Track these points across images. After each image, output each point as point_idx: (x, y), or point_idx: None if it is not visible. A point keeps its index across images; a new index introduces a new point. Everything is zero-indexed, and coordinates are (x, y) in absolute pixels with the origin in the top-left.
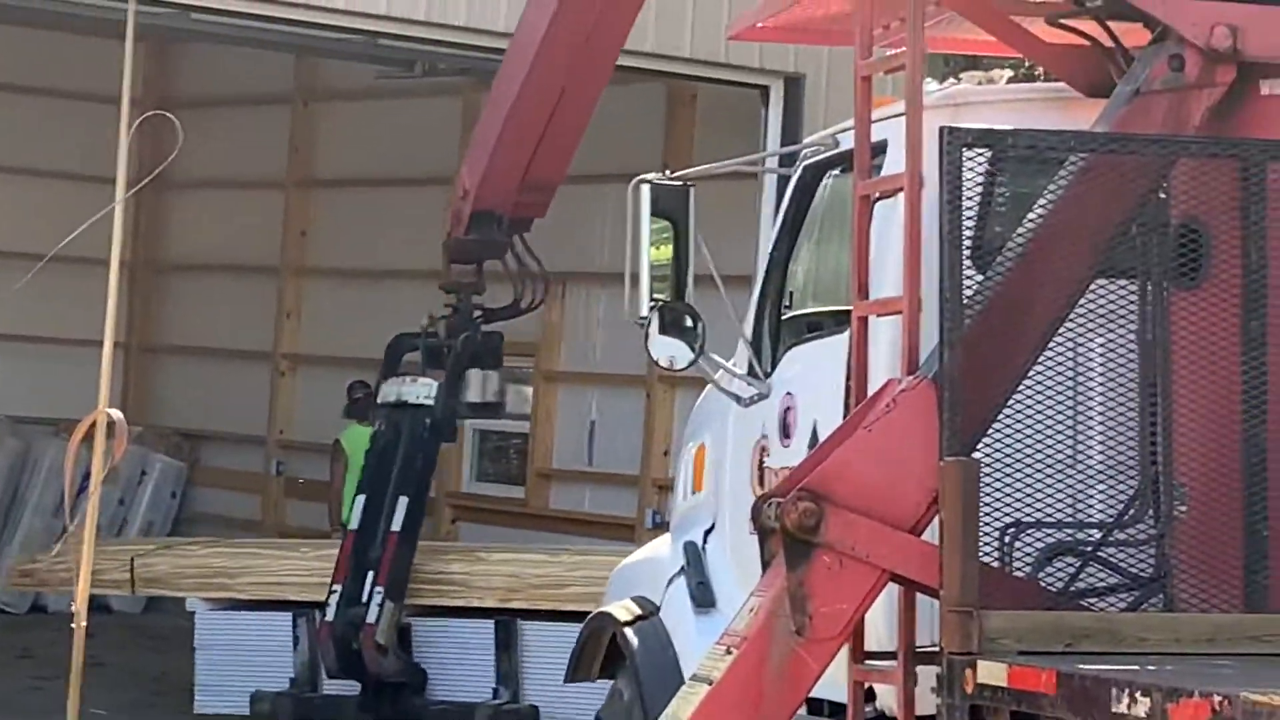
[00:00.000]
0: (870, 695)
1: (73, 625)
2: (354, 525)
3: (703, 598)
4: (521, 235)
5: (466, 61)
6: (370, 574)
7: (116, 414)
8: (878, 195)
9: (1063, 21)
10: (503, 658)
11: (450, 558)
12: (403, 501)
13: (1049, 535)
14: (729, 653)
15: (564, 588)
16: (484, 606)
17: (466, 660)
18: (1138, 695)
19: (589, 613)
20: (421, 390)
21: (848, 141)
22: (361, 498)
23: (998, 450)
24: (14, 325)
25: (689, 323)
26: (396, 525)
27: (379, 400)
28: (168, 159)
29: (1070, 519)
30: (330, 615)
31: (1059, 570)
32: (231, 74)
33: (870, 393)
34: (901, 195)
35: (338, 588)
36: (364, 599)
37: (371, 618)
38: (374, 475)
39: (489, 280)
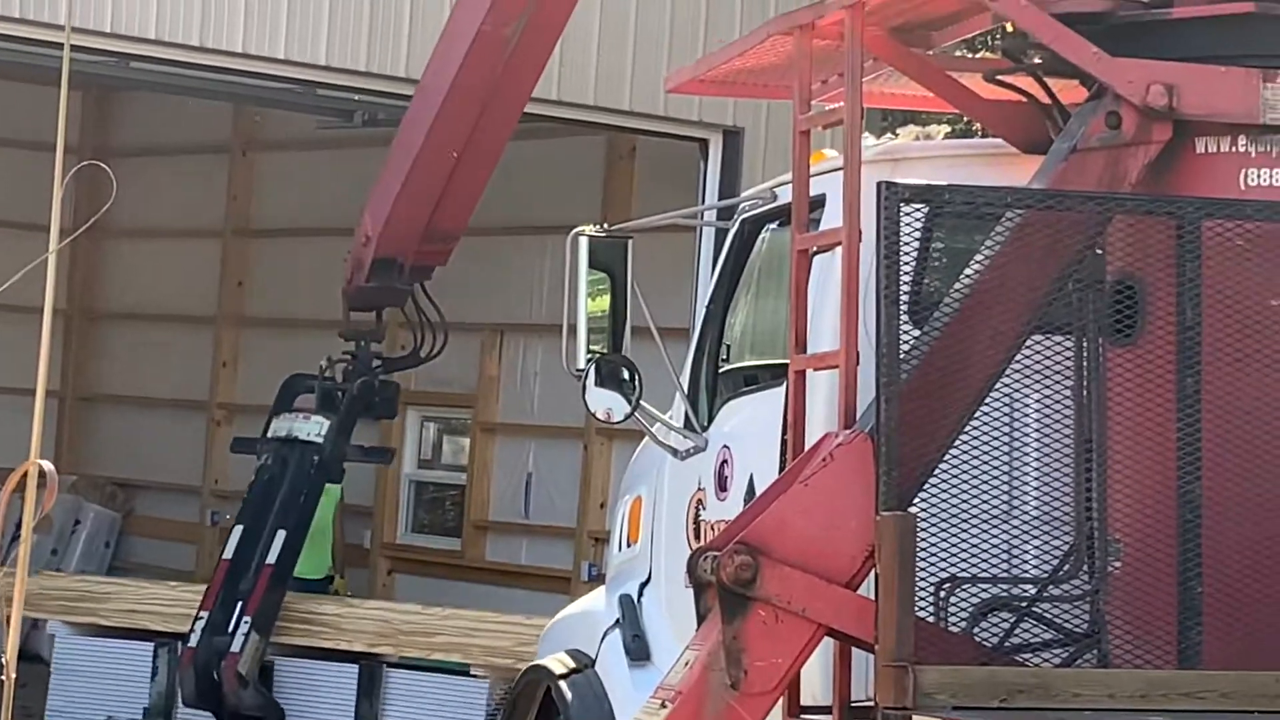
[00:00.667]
0: None
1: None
2: (228, 555)
3: (638, 651)
4: (422, 284)
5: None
6: (240, 604)
7: (48, 465)
8: (815, 249)
9: (1000, 78)
10: (364, 703)
11: (322, 599)
12: (280, 534)
13: (985, 590)
14: (664, 706)
15: (433, 636)
16: (351, 650)
17: (328, 703)
18: None
19: (455, 664)
20: (313, 428)
21: (785, 195)
22: (239, 528)
23: (934, 505)
24: None
25: (626, 375)
26: (271, 558)
27: (269, 434)
28: (102, 209)
29: (1006, 574)
30: (194, 641)
31: (994, 625)
32: (171, 123)
33: (807, 446)
34: (839, 249)
35: (205, 615)
36: (230, 628)
37: (236, 647)
38: (255, 507)
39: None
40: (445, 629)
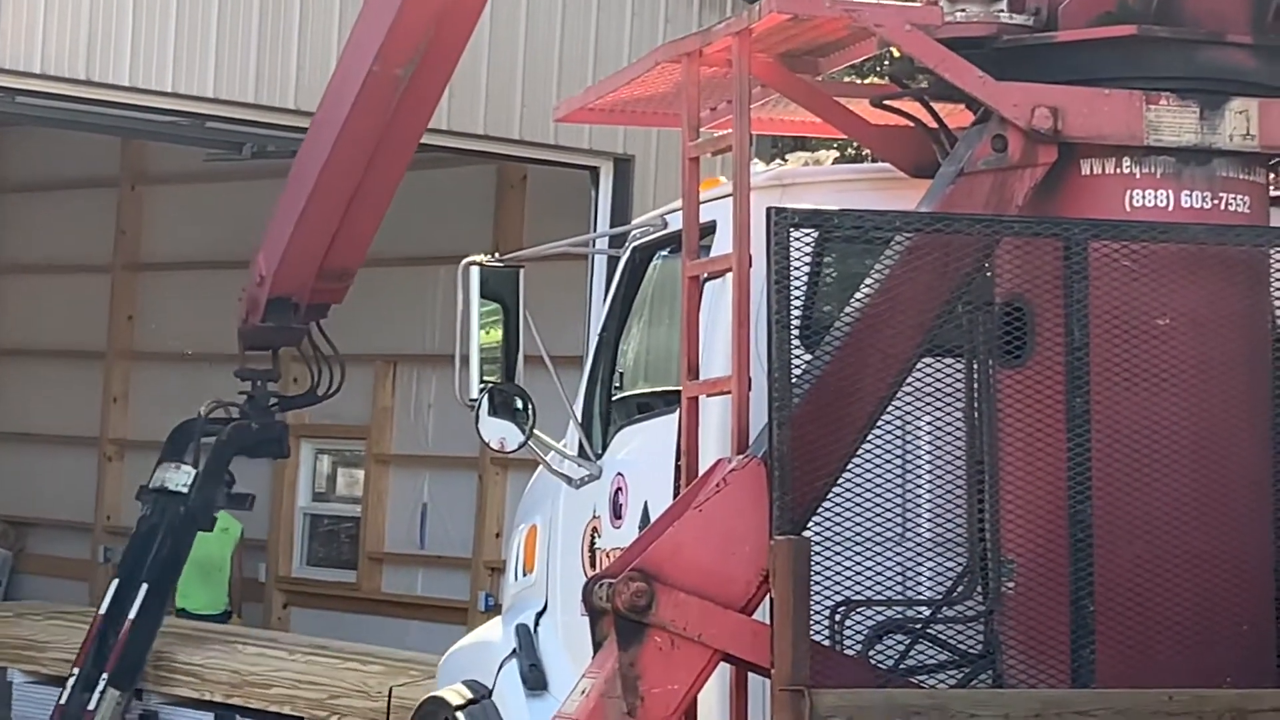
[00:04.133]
0: None
1: None
2: (103, 609)
3: (535, 680)
4: (318, 322)
5: (296, 144)
6: (103, 659)
7: None
8: (706, 275)
9: (887, 103)
10: None
11: (188, 648)
12: (143, 588)
13: (879, 613)
14: None
15: (269, 688)
16: (213, 700)
17: None
18: None
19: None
20: (181, 478)
21: (676, 222)
22: (115, 581)
23: (828, 528)
24: None
25: (519, 404)
26: (133, 612)
27: (149, 484)
28: None
29: (900, 596)
30: (64, 699)
31: (890, 648)
32: (58, 157)
33: (701, 472)
34: (730, 275)
35: (76, 671)
36: (96, 684)
37: (92, 705)
38: (130, 560)
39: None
40: (278, 680)
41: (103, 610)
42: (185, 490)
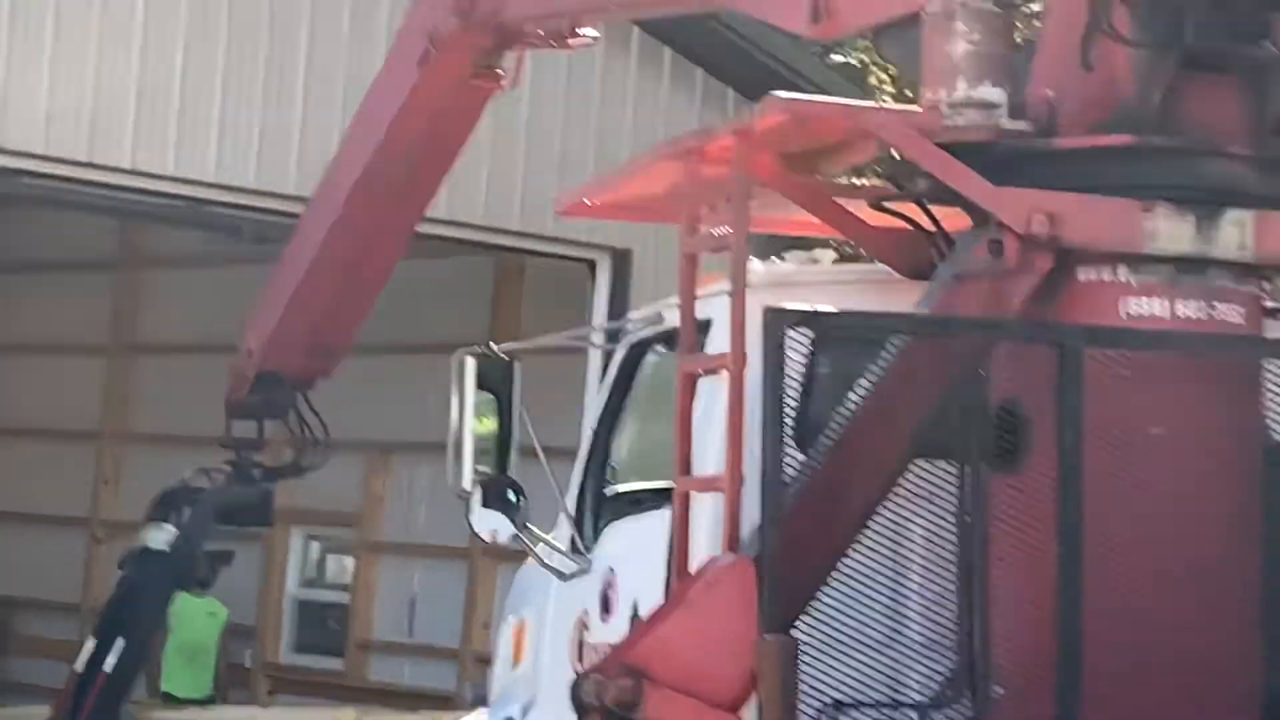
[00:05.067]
0: None
1: None
2: (79, 667)
3: None
4: (305, 395)
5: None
6: None
7: None
8: (701, 372)
9: (885, 205)
10: None
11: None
12: (119, 644)
13: (867, 714)
14: None
15: None
16: None
17: None
18: None
19: None
20: (164, 536)
21: (673, 318)
22: (91, 641)
23: (817, 629)
24: None
25: (511, 496)
26: (108, 667)
27: (135, 545)
28: None
29: (888, 699)
30: None
31: None
32: (57, 238)
33: (691, 569)
34: (725, 373)
35: None
36: None
37: None
38: (108, 618)
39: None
40: None
41: (78, 668)
42: (166, 549)
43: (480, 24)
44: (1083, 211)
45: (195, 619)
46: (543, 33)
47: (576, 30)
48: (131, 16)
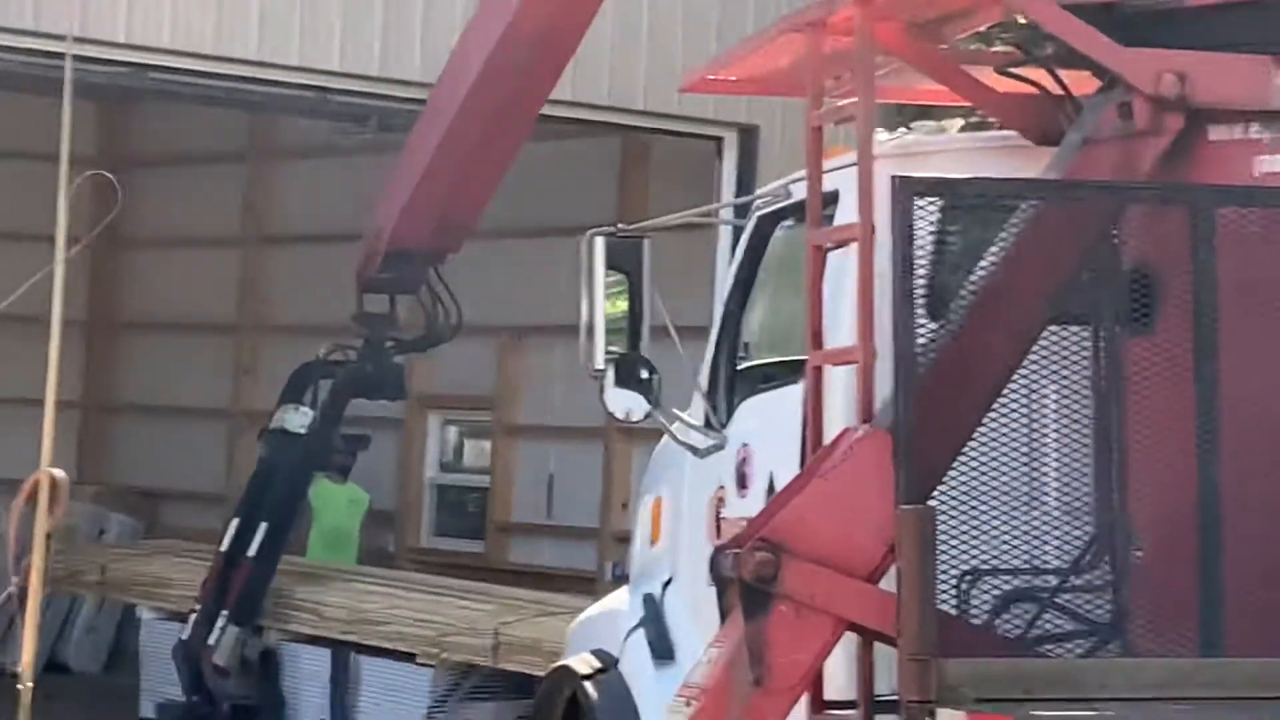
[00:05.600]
0: None
1: (18, 685)
2: (224, 548)
3: (662, 649)
4: (436, 269)
5: (388, 112)
6: (224, 597)
7: (59, 473)
8: (830, 245)
9: (1012, 71)
10: (336, 686)
11: (308, 586)
12: (263, 526)
13: (1006, 582)
14: (688, 705)
15: (384, 625)
16: (328, 637)
17: (310, 686)
18: None
19: (404, 651)
20: (300, 419)
21: (800, 192)
22: (235, 520)
23: (954, 497)
24: None
25: (645, 375)
26: (252, 550)
27: (269, 425)
28: (108, 218)
29: (1027, 565)
30: (185, 634)
31: (1016, 617)
32: (187, 131)
33: (826, 442)
34: (854, 245)
35: (198, 608)
36: (215, 621)
37: (213, 640)
38: (249, 500)
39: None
40: (393, 618)
41: (223, 548)
42: (303, 431)
43: None
44: (1212, 70)
45: (337, 505)
46: None
47: None
48: None
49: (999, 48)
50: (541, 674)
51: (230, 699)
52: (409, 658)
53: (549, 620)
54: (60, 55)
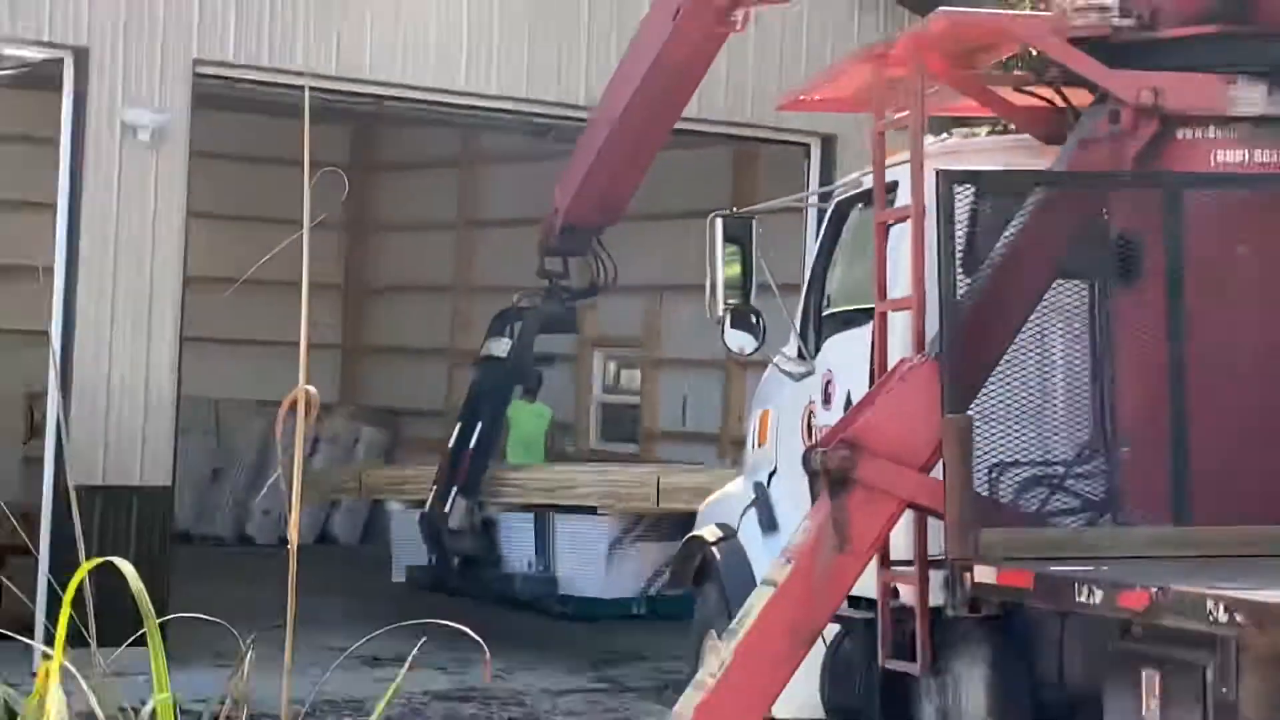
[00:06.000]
0: (895, 593)
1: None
2: (450, 444)
3: (768, 523)
4: (598, 239)
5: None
6: (453, 477)
7: (312, 389)
8: (892, 221)
9: (1027, 89)
10: (539, 541)
11: (514, 471)
12: (479, 426)
13: (1025, 472)
14: (788, 563)
15: (574, 489)
16: (530, 503)
17: (521, 543)
18: (1094, 589)
19: (587, 506)
20: (501, 345)
21: (868, 183)
22: (458, 424)
23: (985, 409)
24: (266, 333)
25: (754, 320)
26: (472, 444)
27: (480, 354)
28: (335, 206)
29: (1040, 459)
30: (427, 508)
31: (1033, 498)
32: (415, 143)
33: (889, 369)
34: (909, 221)
35: (433, 488)
36: (448, 496)
37: (447, 508)
38: (468, 408)
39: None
40: (580, 483)
41: (450, 445)
42: (504, 355)
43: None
44: (1180, 86)
45: (528, 418)
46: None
47: None
48: None
49: (1017, 72)
50: (694, 509)
51: (461, 554)
52: (591, 511)
53: (695, 473)
54: (304, 88)
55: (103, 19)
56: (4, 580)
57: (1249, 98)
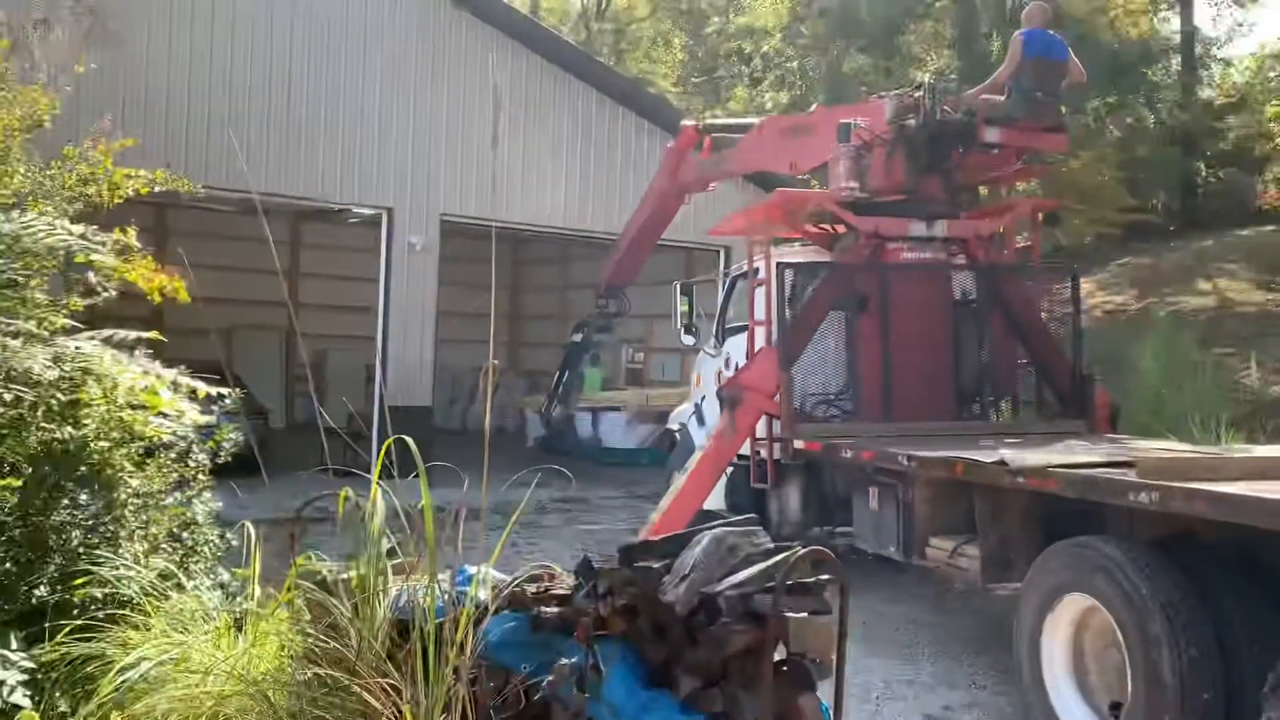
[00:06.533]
0: (759, 453)
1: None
2: (553, 384)
3: (700, 421)
4: (622, 291)
5: (607, 244)
6: (554, 397)
7: (496, 361)
8: (757, 284)
9: (819, 224)
10: (595, 426)
11: (589, 395)
12: (566, 374)
13: (816, 399)
14: (709, 439)
15: (612, 400)
16: (600, 407)
17: (585, 428)
18: (849, 450)
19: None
20: (578, 336)
21: (745, 268)
22: (557, 374)
23: (799, 369)
24: (476, 336)
25: (695, 330)
26: (563, 383)
27: (568, 341)
28: (506, 279)
29: (823, 393)
30: (542, 410)
31: (820, 410)
32: (543, 252)
33: (756, 352)
34: (764, 285)
35: (546, 402)
36: (552, 404)
37: (553, 410)
38: (561, 366)
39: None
40: (615, 399)
41: (552, 384)
42: (580, 340)
43: (681, 188)
44: (888, 223)
45: (592, 374)
46: (699, 189)
47: (710, 186)
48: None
49: (814, 217)
50: (668, 409)
51: (558, 432)
52: (617, 409)
53: (666, 393)
54: (493, 226)
55: (398, 193)
56: (357, 449)
57: (917, 228)
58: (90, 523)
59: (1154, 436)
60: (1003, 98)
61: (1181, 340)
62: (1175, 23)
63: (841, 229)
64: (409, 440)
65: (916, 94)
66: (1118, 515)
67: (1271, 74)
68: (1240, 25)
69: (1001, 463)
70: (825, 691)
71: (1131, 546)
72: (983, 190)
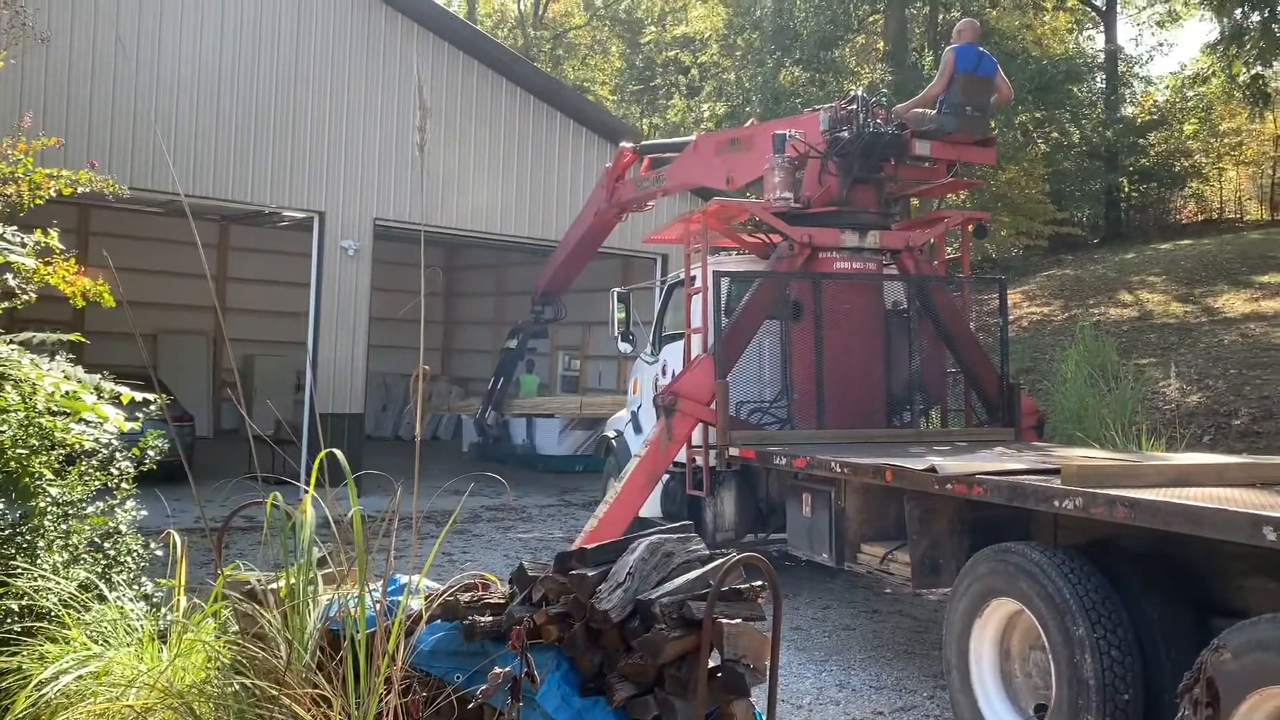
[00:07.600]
0: (694, 460)
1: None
2: (488, 388)
3: (637, 428)
4: (558, 297)
5: (548, 249)
6: (488, 402)
7: (428, 367)
8: (693, 293)
9: (754, 234)
10: (530, 432)
11: (523, 401)
12: (501, 379)
13: (751, 405)
14: (646, 446)
15: (545, 406)
16: (524, 414)
17: (519, 434)
18: (782, 457)
19: (553, 414)
20: (511, 343)
21: (682, 276)
22: (491, 380)
23: (734, 377)
24: (406, 341)
25: (632, 337)
26: (498, 388)
27: (502, 346)
28: (437, 285)
29: (758, 400)
30: (476, 416)
31: (756, 418)
32: (475, 258)
33: (692, 359)
34: (700, 293)
35: (481, 407)
36: (486, 410)
37: (487, 417)
38: (496, 372)
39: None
40: (549, 405)
41: (488, 388)
42: (514, 347)
43: (619, 207)
44: (821, 233)
45: (528, 380)
46: (637, 209)
47: (648, 205)
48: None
49: (750, 226)
50: (603, 416)
51: (492, 438)
52: (551, 416)
53: (602, 400)
54: (422, 230)
55: (330, 196)
56: (285, 456)
57: (849, 238)
58: (7, 532)
59: (1078, 444)
60: (934, 112)
61: (1104, 350)
62: (1100, 41)
63: (777, 238)
64: (337, 452)
65: (850, 107)
66: (1043, 521)
67: (1189, 93)
68: (1160, 45)
69: (931, 470)
70: (759, 697)
71: (1056, 551)
72: (914, 202)
